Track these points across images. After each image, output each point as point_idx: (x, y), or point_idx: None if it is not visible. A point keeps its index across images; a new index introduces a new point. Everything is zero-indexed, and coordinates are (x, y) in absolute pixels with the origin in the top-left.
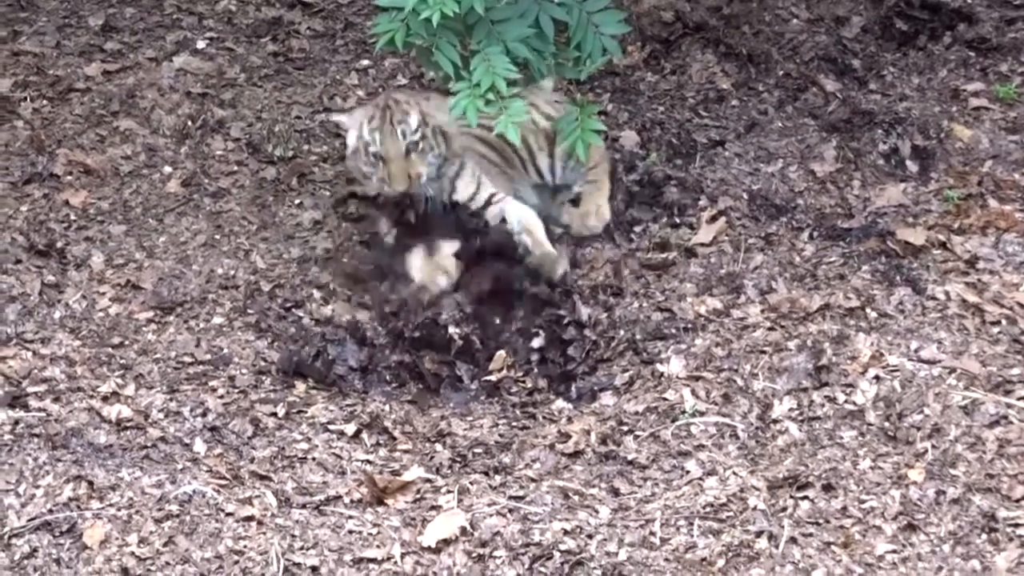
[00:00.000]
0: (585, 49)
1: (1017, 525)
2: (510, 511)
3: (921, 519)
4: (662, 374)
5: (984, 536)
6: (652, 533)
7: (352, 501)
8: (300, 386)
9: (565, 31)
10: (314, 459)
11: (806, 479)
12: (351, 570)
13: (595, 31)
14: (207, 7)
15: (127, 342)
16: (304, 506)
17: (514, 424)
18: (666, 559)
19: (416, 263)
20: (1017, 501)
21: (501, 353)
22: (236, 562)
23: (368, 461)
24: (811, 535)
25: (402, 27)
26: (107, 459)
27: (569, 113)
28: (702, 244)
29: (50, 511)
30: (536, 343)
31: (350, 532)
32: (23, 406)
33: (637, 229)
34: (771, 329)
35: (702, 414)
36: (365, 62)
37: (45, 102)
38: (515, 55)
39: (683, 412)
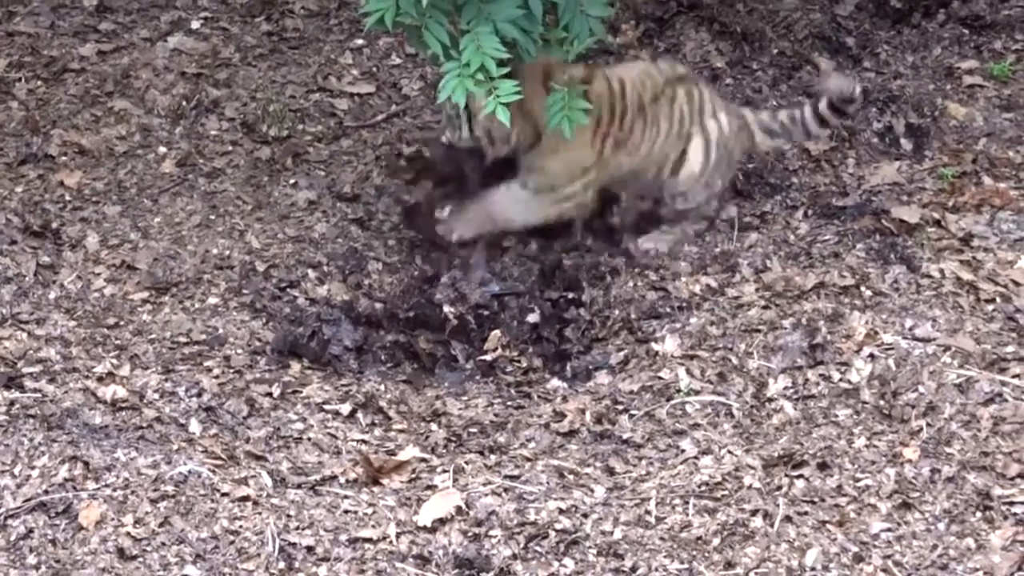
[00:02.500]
0: (572, 30)
1: (1012, 503)
2: (505, 491)
3: (916, 497)
4: (657, 353)
5: (979, 514)
6: (647, 512)
7: (347, 481)
8: (295, 366)
9: (554, 11)
10: (309, 439)
11: (801, 458)
12: (347, 550)
13: (582, 12)
14: None
15: (122, 323)
16: (299, 486)
17: (509, 404)
18: (661, 538)
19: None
20: (1012, 479)
21: (496, 332)
22: (232, 542)
23: (363, 441)
24: (806, 514)
25: (392, 6)
26: (102, 440)
27: (556, 92)
28: None
29: (46, 492)
30: (531, 319)
31: (345, 512)
32: (18, 387)
33: None
34: (766, 308)
35: (697, 393)
36: (359, 41)
37: (39, 83)
38: (504, 35)
39: (678, 391)
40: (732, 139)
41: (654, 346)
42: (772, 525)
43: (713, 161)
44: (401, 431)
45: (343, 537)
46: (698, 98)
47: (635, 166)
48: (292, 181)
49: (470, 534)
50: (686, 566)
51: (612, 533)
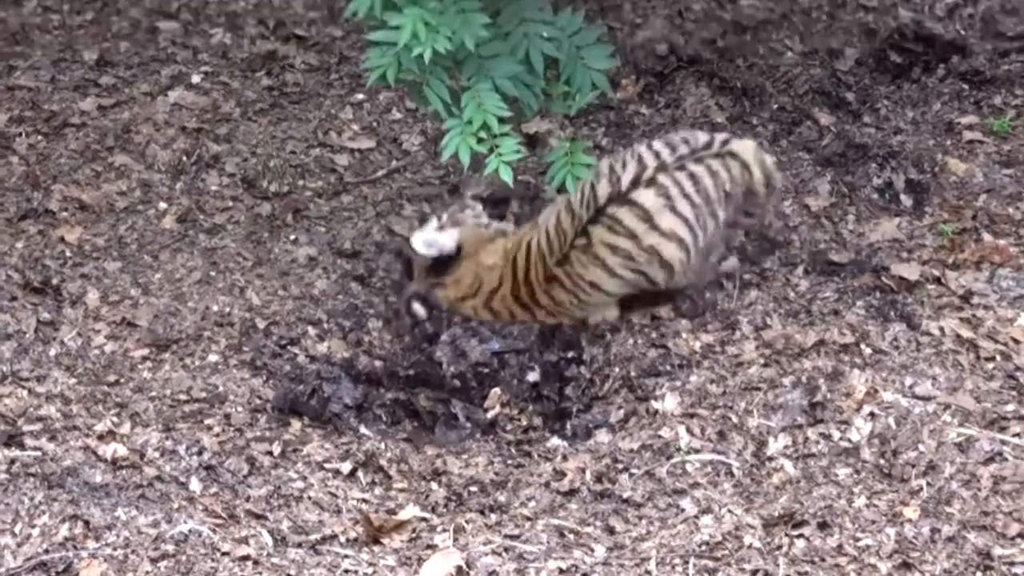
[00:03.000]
0: (574, 84)
1: (1012, 563)
2: (506, 550)
3: (916, 557)
4: (657, 411)
5: (979, 574)
6: (648, 572)
7: (348, 540)
8: (295, 424)
9: (555, 66)
10: (310, 498)
11: (801, 517)
12: None
13: (584, 66)
14: (202, 41)
15: (122, 380)
16: (300, 545)
17: (509, 462)
18: None
19: None
20: (1012, 539)
21: (496, 390)
22: None
23: (364, 500)
24: (807, 573)
25: (394, 62)
26: (103, 498)
27: (559, 148)
28: None
29: (46, 551)
30: (531, 378)
31: (346, 572)
32: (19, 445)
33: None
34: (766, 365)
35: (697, 451)
36: (360, 96)
37: (40, 137)
38: (504, 91)
39: (678, 450)
40: (702, 199)
41: (654, 404)
42: None
43: (693, 243)
44: (401, 490)
45: None
46: (632, 218)
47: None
48: (293, 237)
49: None
50: None
51: None
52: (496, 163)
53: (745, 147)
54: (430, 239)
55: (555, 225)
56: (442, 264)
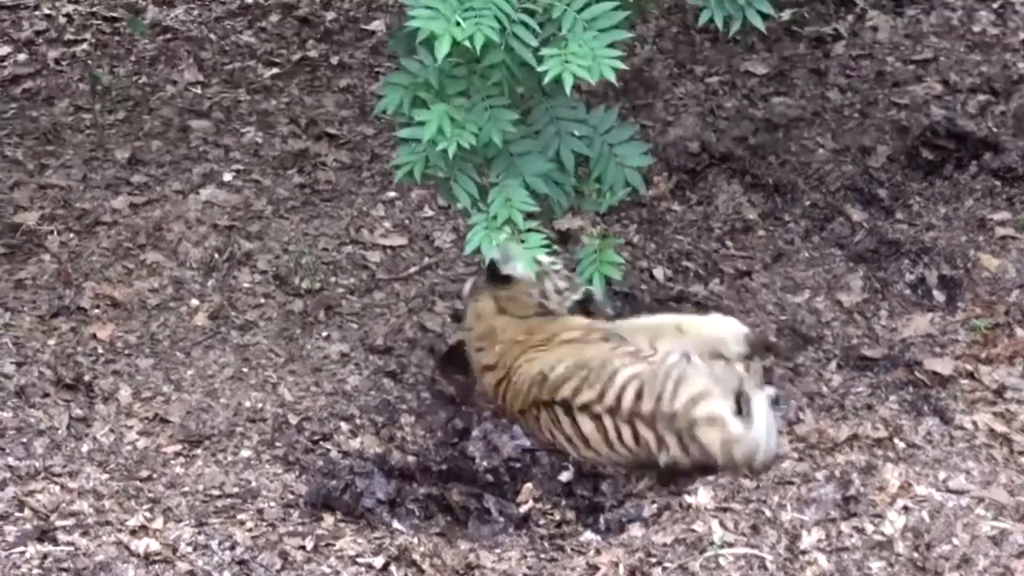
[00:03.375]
0: (606, 182)
1: None
2: None
3: None
4: (690, 505)
5: None
6: None
7: None
8: (328, 519)
9: (586, 163)
10: None
11: None
12: None
13: (617, 163)
14: (233, 139)
15: (155, 475)
16: None
17: (543, 556)
18: None
19: None
20: None
21: (529, 485)
22: None
23: None
24: None
25: (421, 159)
26: None
27: (589, 245)
28: None
29: None
30: (564, 477)
31: None
32: (51, 540)
33: None
34: (799, 460)
35: (730, 545)
36: (392, 194)
37: (72, 235)
38: (534, 189)
39: (711, 543)
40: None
41: (687, 498)
42: None
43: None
44: None
45: None
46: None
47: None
48: (325, 334)
49: None
50: None
51: None
52: (521, 256)
53: None
54: (509, 248)
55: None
56: (497, 277)
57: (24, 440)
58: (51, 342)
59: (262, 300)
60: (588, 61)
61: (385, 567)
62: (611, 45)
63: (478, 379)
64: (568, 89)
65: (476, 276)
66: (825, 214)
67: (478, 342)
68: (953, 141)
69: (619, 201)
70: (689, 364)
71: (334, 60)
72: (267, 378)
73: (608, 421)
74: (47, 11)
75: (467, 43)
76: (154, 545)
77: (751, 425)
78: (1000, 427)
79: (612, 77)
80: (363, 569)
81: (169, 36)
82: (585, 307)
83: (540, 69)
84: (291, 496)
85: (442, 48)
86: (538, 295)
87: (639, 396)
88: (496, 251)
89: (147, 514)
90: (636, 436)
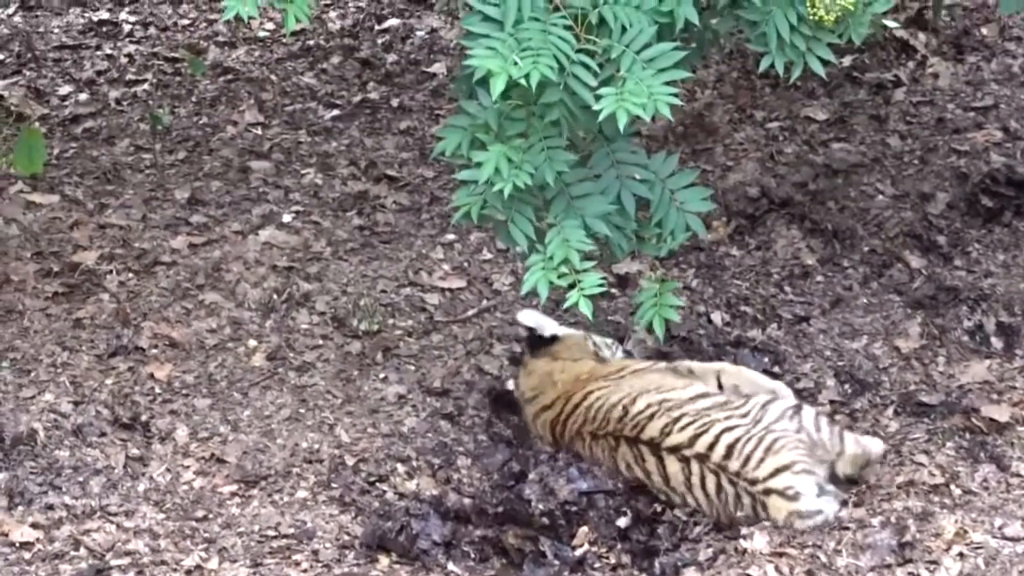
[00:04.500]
0: (667, 226)
1: None
2: None
3: None
4: (746, 550)
5: None
6: None
7: None
8: (384, 560)
9: (647, 207)
10: None
11: None
12: None
13: (678, 208)
14: (293, 181)
15: (211, 515)
16: None
17: None
18: None
19: None
20: None
21: (584, 529)
22: None
23: None
24: None
25: (479, 201)
26: None
27: (648, 288)
28: None
29: None
30: (622, 523)
31: None
32: None
33: None
34: (856, 505)
35: None
36: (450, 236)
37: (131, 275)
38: (594, 231)
39: None
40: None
41: (743, 543)
42: None
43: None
44: None
45: None
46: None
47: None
48: (382, 375)
49: None
50: None
51: None
52: (577, 297)
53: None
54: (539, 316)
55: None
56: (535, 342)
57: (80, 479)
58: (108, 381)
59: (320, 341)
60: (643, 98)
61: None
62: (669, 83)
63: (531, 428)
64: (622, 126)
65: (521, 351)
66: (884, 260)
67: (531, 392)
68: (1013, 188)
69: (678, 246)
70: (783, 434)
71: (394, 102)
72: (324, 419)
73: (696, 466)
74: (108, 51)
75: (523, 82)
76: None
77: (827, 506)
78: None
79: (668, 114)
80: None
81: (230, 77)
82: None
83: (596, 107)
84: (347, 537)
85: (498, 86)
86: (591, 344)
87: (729, 454)
88: (529, 319)
89: (203, 554)
90: (719, 487)
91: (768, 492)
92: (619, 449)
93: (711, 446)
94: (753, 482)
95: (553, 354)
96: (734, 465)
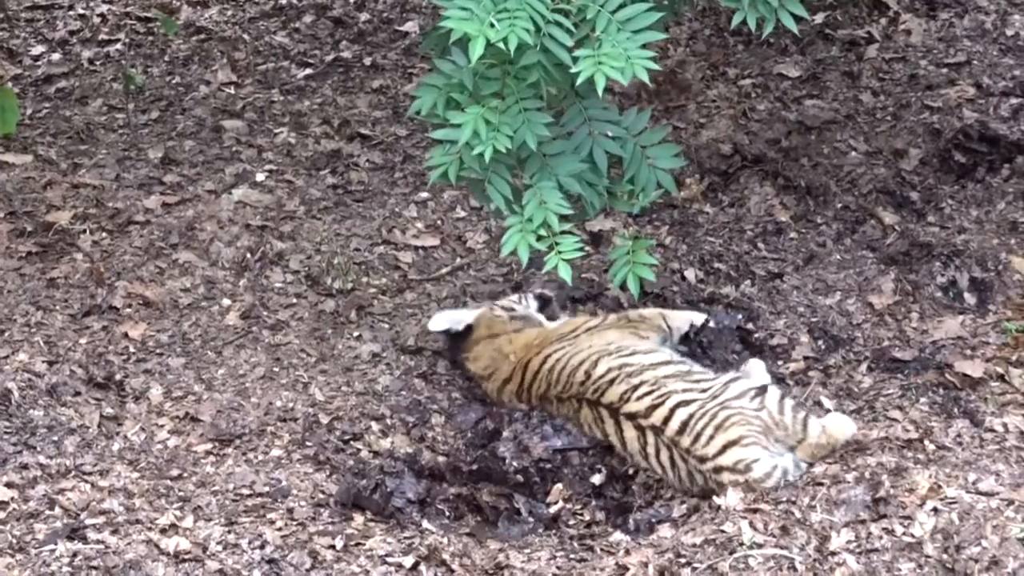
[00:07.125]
0: (639, 183)
1: None
2: None
3: None
4: (720, 506)
5: None
6: None
7: None
8: (358, 518)
9: (619, 164)
10: None
11: None
12: None
13: (650, 165)
14: (266, 140)
15: (185, 474)
16: None
17: (572, 556)
18: None
19: None
20: None
21: (559, 486)
22: None
23: None
24: None
25: (456, 160)
26: None
27: (622, 246)
28: None
29: None
30: (596, 480)
31: None
32: (81, 538)
33: None
34: (829, 462)
35: (760, 546)
36: (424, 195)
37: (104, 234)
38: (568, 189)
39: (741, 544)
40: None
41: (717, 499)
42: None
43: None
44: None
45: None
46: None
47: None
48: (356, 334)
49: None
50: None
51: None
52: (555, 261)
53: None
54: (446, 315)
55: (595, 372)
56: (458, 339)
57: (55, 438)
58: (83, 341)
59: (294, 300)
60: (621, 62)
61: (415, 567)
62: (644, 46)
63: (497, 398)
64: (600, 90)
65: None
66: (857, 217)
67: (486, 371)
68: (985, 144)
69: (651, 203)
70: (737, 411)
71: (367, 61)
72: (298, 378)
73: (651, 437)
74: (81, 11)
75: (501, 44)
76: (184, 544)
77: (782, 461)
78: None
79: (645, 78)
80: (393, 568)
81: (203, 36)
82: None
83: (573, 70)
84: (321, 495)
85: (476, 50)
86: (505, 314)
87: (683, 430)
88: (440, 324)
89: (177, 513)
90: (672, 462)
91: (719, 469)
92: (581, 411)
93: (666, 419)
94: (702, 459)
95: (484, 336)
96: (685, 441)
